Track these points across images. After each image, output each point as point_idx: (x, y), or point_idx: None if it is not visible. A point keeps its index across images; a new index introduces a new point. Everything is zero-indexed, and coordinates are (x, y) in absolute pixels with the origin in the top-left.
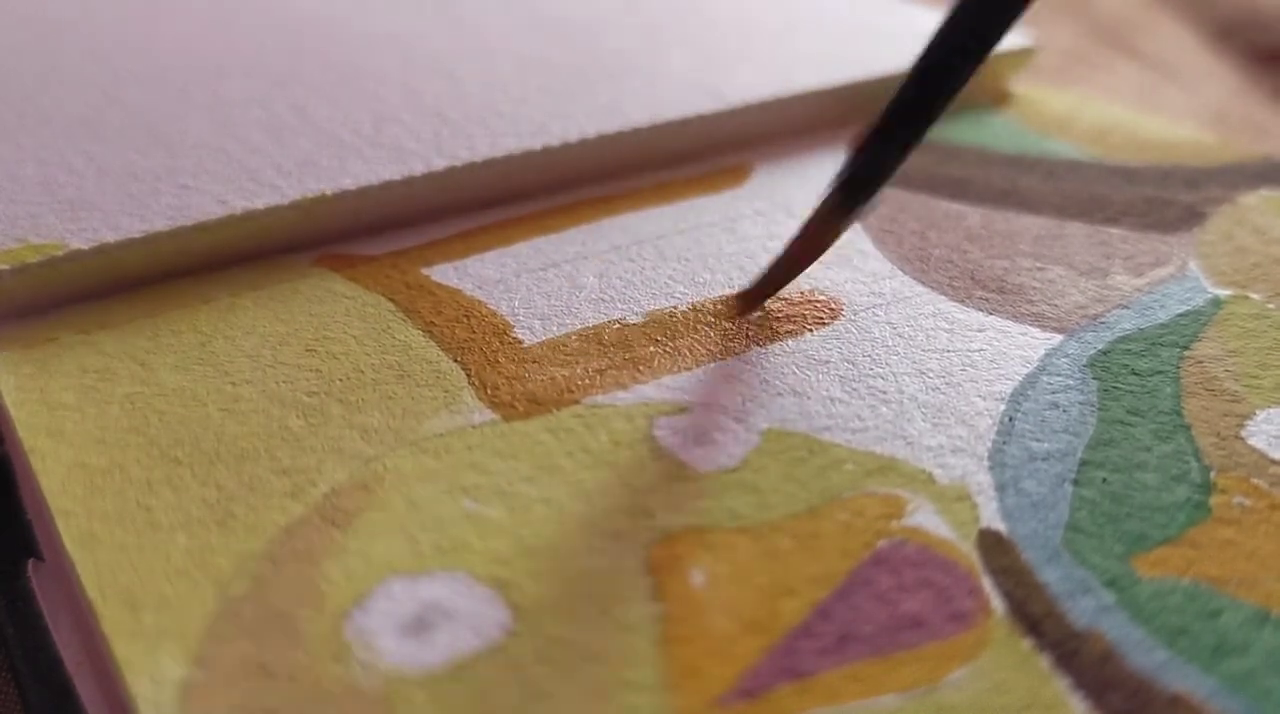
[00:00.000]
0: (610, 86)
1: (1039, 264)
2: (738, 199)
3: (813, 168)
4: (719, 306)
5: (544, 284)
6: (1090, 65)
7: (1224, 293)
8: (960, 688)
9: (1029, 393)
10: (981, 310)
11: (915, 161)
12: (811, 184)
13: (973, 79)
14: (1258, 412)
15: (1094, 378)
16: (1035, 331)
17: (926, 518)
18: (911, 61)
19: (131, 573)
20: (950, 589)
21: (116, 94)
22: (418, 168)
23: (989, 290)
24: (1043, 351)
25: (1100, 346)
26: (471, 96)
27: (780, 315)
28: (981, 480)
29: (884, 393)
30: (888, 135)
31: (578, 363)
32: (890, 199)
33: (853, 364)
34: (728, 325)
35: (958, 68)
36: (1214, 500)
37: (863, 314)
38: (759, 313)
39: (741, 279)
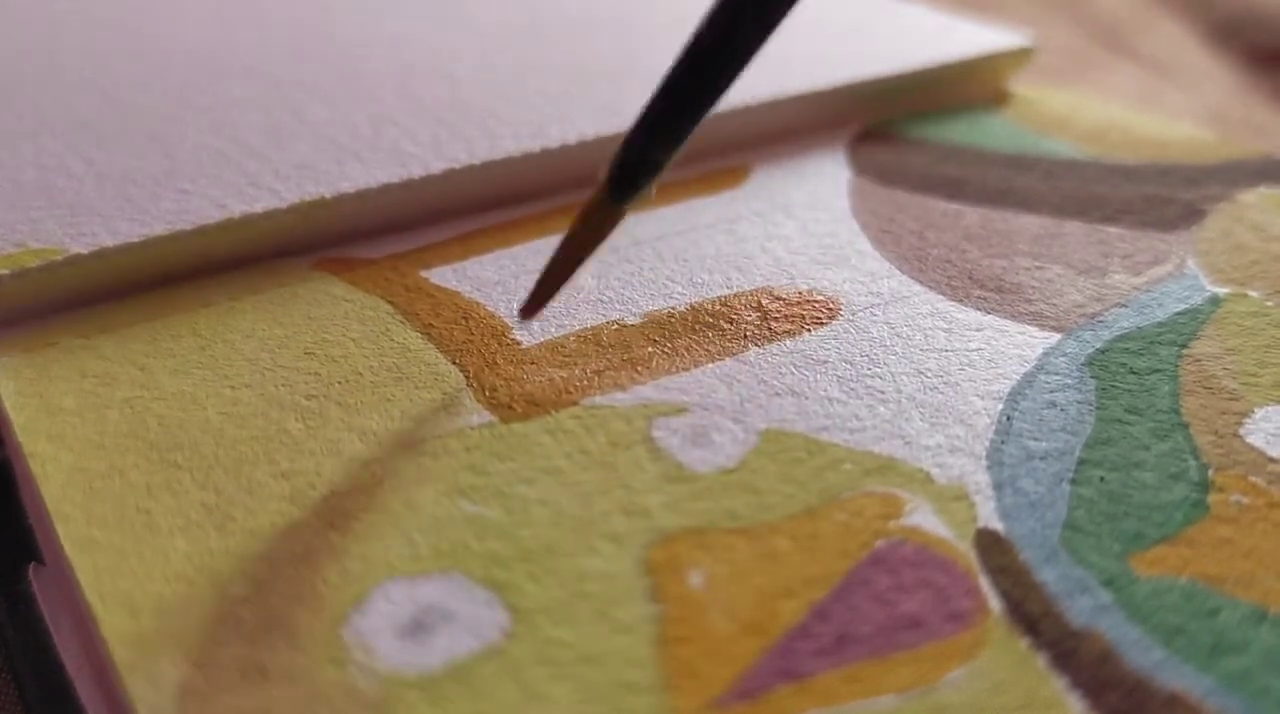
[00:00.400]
0: (608, 88)
1: (1037, 263)
2: (736, 200)
3: (811, 168)
4: (716, 307)
5: None
6: (1089, 66)
7: (1222, 291)
8: (958, 688)
9: (1027, 392)
10: (980, 309)
11: (913, 161)
12: (809, 185)
13: (970, 79)
14: (1256, 409)
15: (1092, 377)
16: (1033, 331)
17: (924, 518)
18: (691, 42)
19: (130, 576)
20: (948, 589)
21: (115, 99)
22: (416, 171)
23: (987, 289)
24: (1041, 351)
25: (1098, 345)
26: (470, 99)
27: (778, 316)
28: (979, 480)
29: (882, 393)
30: (658, 124)
31: (576, 364)
32: (888, 199)
33: (851, 364)
34: (725, 326)
35: (737, 48)
36: (1212, 499)
37: (861, 314)
38: (539, 318)
39: (740, 279)
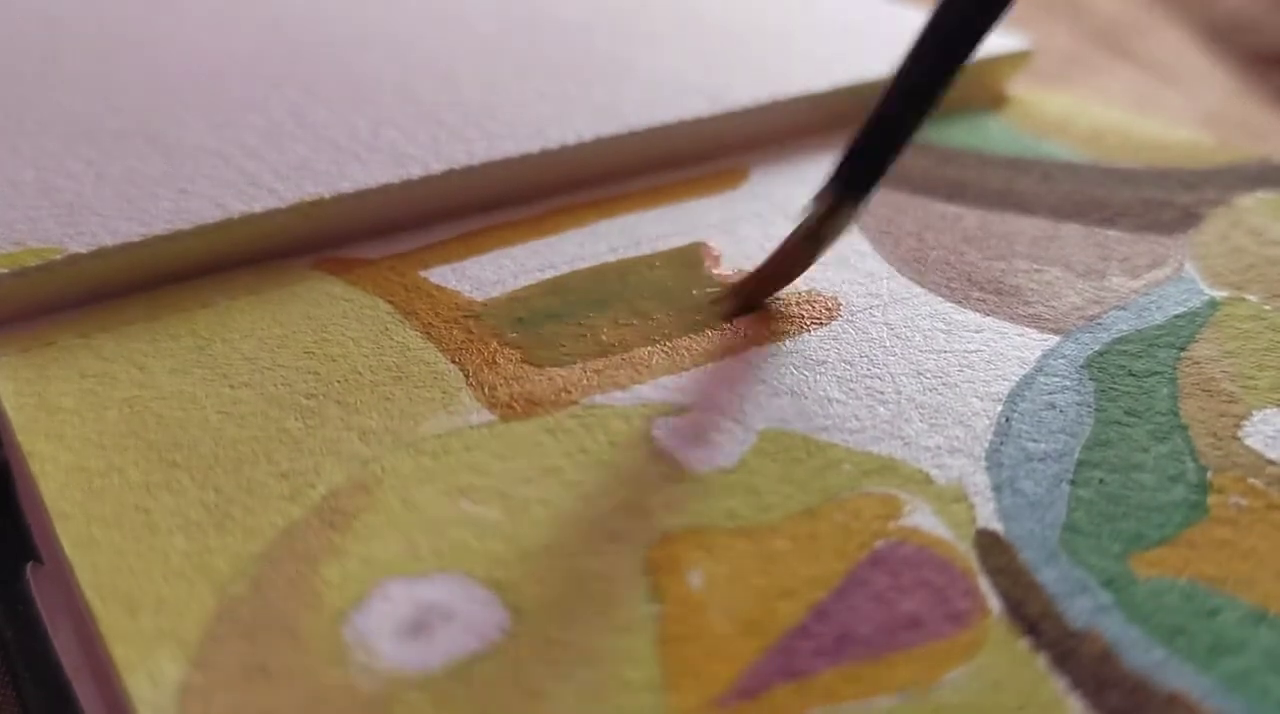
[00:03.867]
0: (607, 89)
1: (1036, 266)
2: (735, 201)
3: (810, 170)
4: (713, 305)
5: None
6: (1087, 69)
7: (1220, 294)
8: (957, 688)
9: (1026, 394)
10: (979, 311)
11: (912, 164)
12: (808, 186)
13: (969, 82)
14: (1254, 412)
15: (1091, 379)
16: (1032, 333)
17: (924, 518)
18: (898, 62)
19: (130, 575)
20: (947, 589)
21: (114, 99)
22: (415, 171)
23: (986, 292)
24: (1040, 353)
25: (1097, 348)
26: (469, 100)
27: (778, 315)
28: (978, 481)
29: (881, 393)
30: (880, 137)
31: (576, 363)
32: (887, 201)
33: (850, 365)
34: (725, 325)
35: (948, 65)
36: (1211, 500)
37: (860, 315)
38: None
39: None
